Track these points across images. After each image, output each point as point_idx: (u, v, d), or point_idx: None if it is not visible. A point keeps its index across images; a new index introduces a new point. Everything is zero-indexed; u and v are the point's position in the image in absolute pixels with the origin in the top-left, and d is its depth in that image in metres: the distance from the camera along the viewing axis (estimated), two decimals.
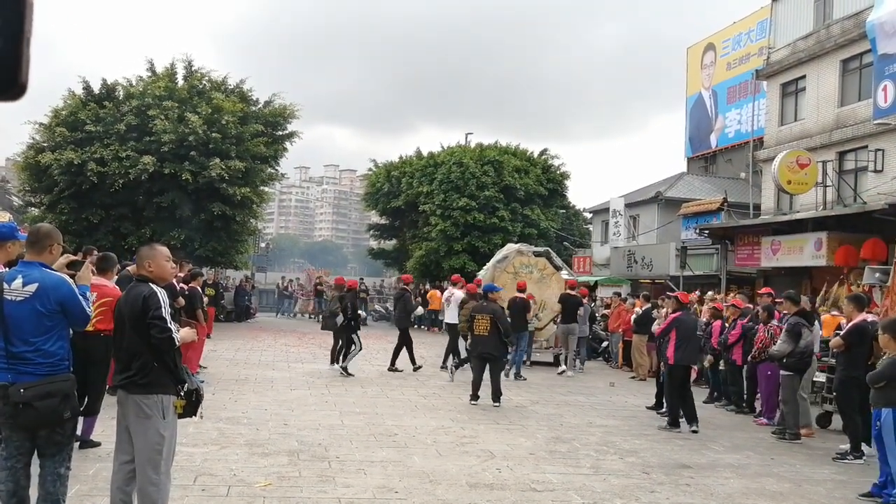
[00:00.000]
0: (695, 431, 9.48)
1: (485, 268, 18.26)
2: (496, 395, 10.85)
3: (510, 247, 18.21)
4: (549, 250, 19.19)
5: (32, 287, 4.22)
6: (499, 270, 16.87)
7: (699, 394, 12.91)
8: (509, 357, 13.27)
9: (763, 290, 12.43)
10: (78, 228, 24.07)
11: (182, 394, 4.50)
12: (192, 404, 4.57)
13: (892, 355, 6.89)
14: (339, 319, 13.63)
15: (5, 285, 4.26)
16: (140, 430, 4.33)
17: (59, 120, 24.55)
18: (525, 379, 13.94)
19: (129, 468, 4.41)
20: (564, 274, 18.16)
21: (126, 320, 4.38)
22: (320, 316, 28.45)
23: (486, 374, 11.02)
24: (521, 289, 14.74)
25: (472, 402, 10.79)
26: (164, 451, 4.38)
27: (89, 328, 6.41)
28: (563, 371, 15.39)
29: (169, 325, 4.31)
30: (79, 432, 6.31)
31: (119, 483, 4.41)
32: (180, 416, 4.51)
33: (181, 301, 11.79)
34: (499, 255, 17.93)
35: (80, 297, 4.38)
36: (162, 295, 4.38)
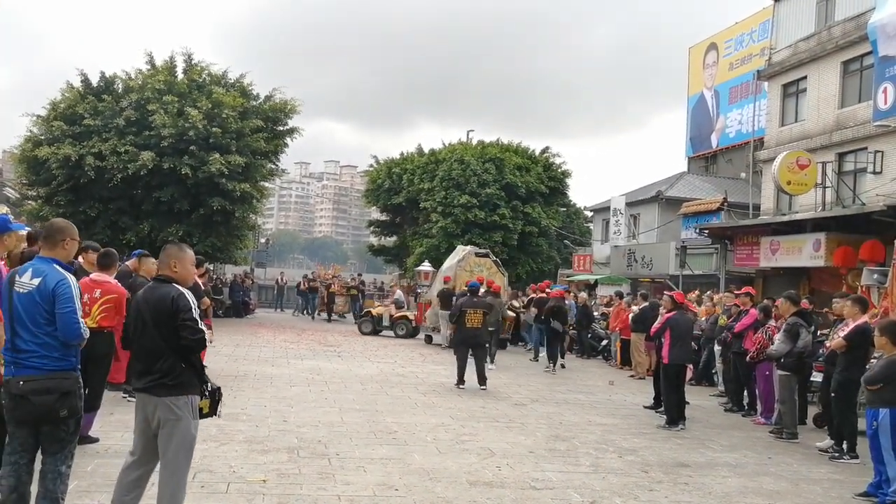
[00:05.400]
0: (681, 428, 9.62)
1: (447, 267, 20.40)
2: (482, 378, 12.02)
3: (462, 248, 21.26)
4: (490, 251, 22.07)
5: (37, 280, 4.28)
6: (459, 269, 19.53)
7: (700, 392, 12.96)
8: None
9: (742, 290, 12.45)
10: (75, 222, 23.62)
11: (207, 393, 4.49)
12: (213, 403, 4.56)
13: (888, 356, 6.91)
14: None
15: (17, 277, 4.33)
16: (170, 433, 4.30)
17: (57, 113, 24.17)
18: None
19: (135, 475, 4.38)
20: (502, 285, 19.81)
21: (148, 320, 4.30)
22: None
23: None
24: (560, 297, 16.45)
25: (461, 387, 11.86)
26: (191, 452, 4.42)
27: (92, 324, 6.43)
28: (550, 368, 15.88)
29: (201, 326, 4.33)
30: None
31: (123, 491, 4.37)
32: (203, 415, 4.50)
33: (207, 301, 11.64)
34: (456, 255, 20.59)
35: (77, 308, 4.31)
36: (190, 296, 4.38)
